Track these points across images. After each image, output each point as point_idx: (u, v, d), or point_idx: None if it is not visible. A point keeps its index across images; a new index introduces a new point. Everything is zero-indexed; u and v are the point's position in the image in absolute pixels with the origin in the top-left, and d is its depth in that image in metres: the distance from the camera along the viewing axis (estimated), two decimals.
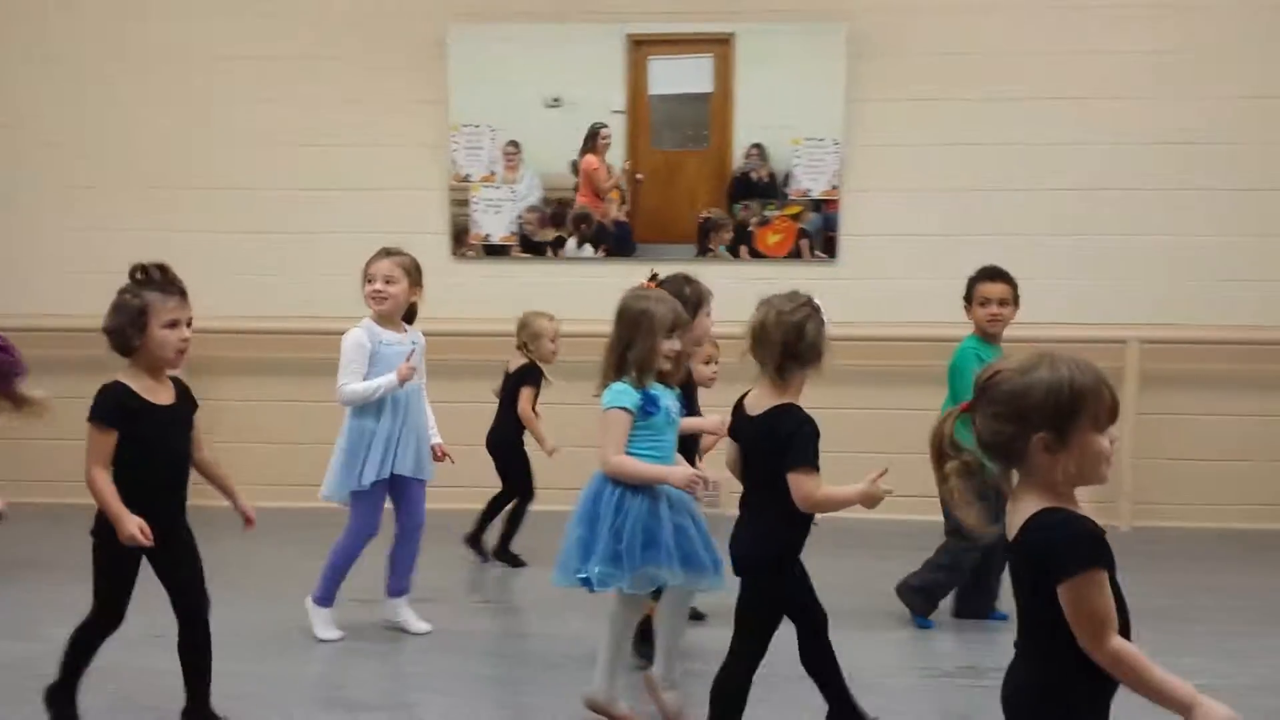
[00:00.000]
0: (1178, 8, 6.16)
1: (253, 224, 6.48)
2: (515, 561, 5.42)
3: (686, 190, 6.37)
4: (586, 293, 6.21)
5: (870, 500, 2.98)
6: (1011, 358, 2.08)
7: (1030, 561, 1.96)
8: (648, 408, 3.35)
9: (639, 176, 6.35)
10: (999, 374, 2.04)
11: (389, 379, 4.18)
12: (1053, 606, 1.91)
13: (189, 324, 3.23)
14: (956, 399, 4.48)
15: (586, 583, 3.33)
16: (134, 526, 3.07)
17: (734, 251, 6.36)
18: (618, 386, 3.37)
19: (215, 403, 6.51)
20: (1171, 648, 4.17)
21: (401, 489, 4.35)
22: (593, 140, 6.32)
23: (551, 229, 6.42)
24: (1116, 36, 6.19)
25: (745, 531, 3.15)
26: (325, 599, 4.35)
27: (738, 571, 3.19)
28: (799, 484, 2.97)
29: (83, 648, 3.30)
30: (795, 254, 6.33)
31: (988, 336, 4.57)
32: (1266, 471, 6.19)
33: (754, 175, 6.29)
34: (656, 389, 3.40)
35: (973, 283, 4.63)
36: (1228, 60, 6.15)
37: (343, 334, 5.99)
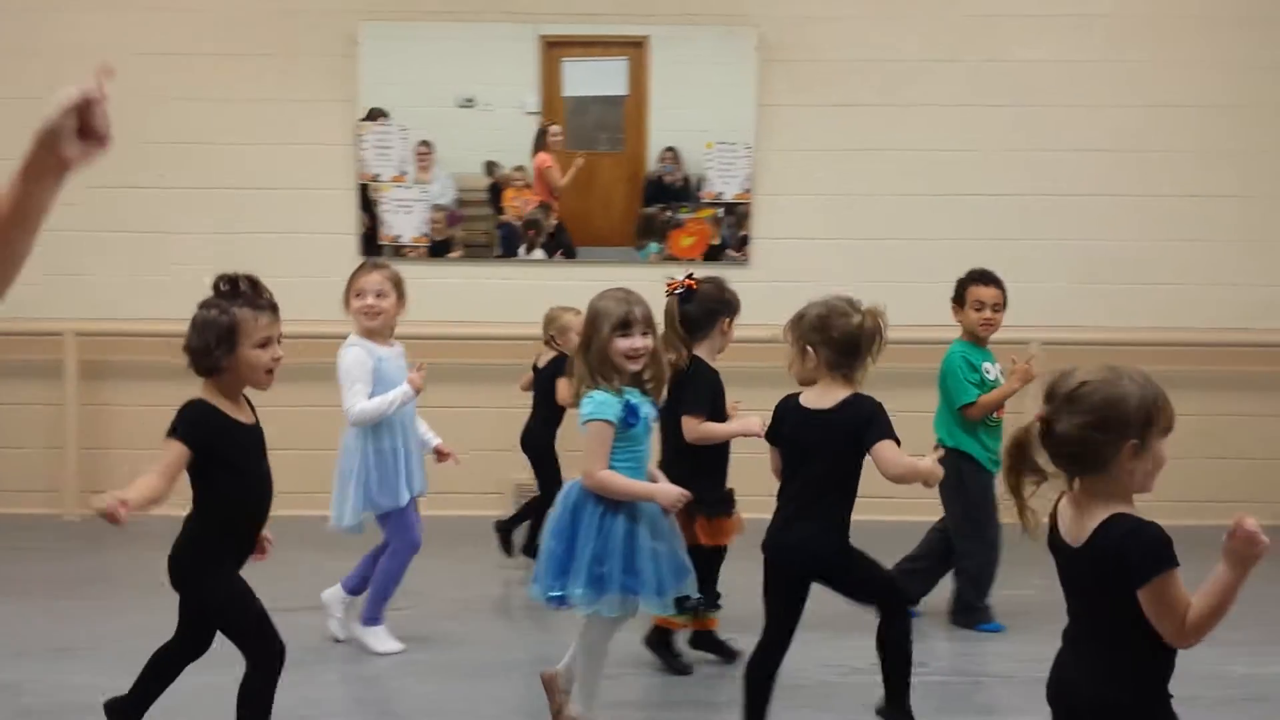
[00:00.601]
0: (1089, 18, 6.32)
1: (157, 223, 6.32)
2: (511, 551, 5.41)
3: (602, 193, 6.36)
4: (503, 295, 6.21)
5: (933, 478, 3.15)
6: (1080, 368, 2.19)
7: (1104, 565, 2.08)
8: (629, 419, 3.22)
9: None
10: (1087, 384, 2.13)
11: (405, 390, 4.05)
12: (1128, 605, 2.04)
13: (280, 341, 2.99)
14: (950, 403, 4.53)
15: (558, 601, 3.24)
16: (119, 506, 2.71)
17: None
18: (599, 396, 3.22)
19: (113, 408, 6.38)
20: None
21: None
22: (543, 138, 6.28)
23: (447, 228, 6.37)
24: (1028, 45, 6.32)
25: (809, 530, 3.20)
26: (376, 619, 4.21)
27: (807, 572, 3.23)
28: (887, 451, 3.11)
29: (259, 700, 3.00)
30: (709, 255, 6.35)
31: (976, 340, 4.63)
32: (1171, 469, 6.33)
33: (668, 178, 6.30)
34: (635, 398, 3.27)
35: (964, 285, 4.64)
36: (1137, 70, 6.32)
37: None
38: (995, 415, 4.53)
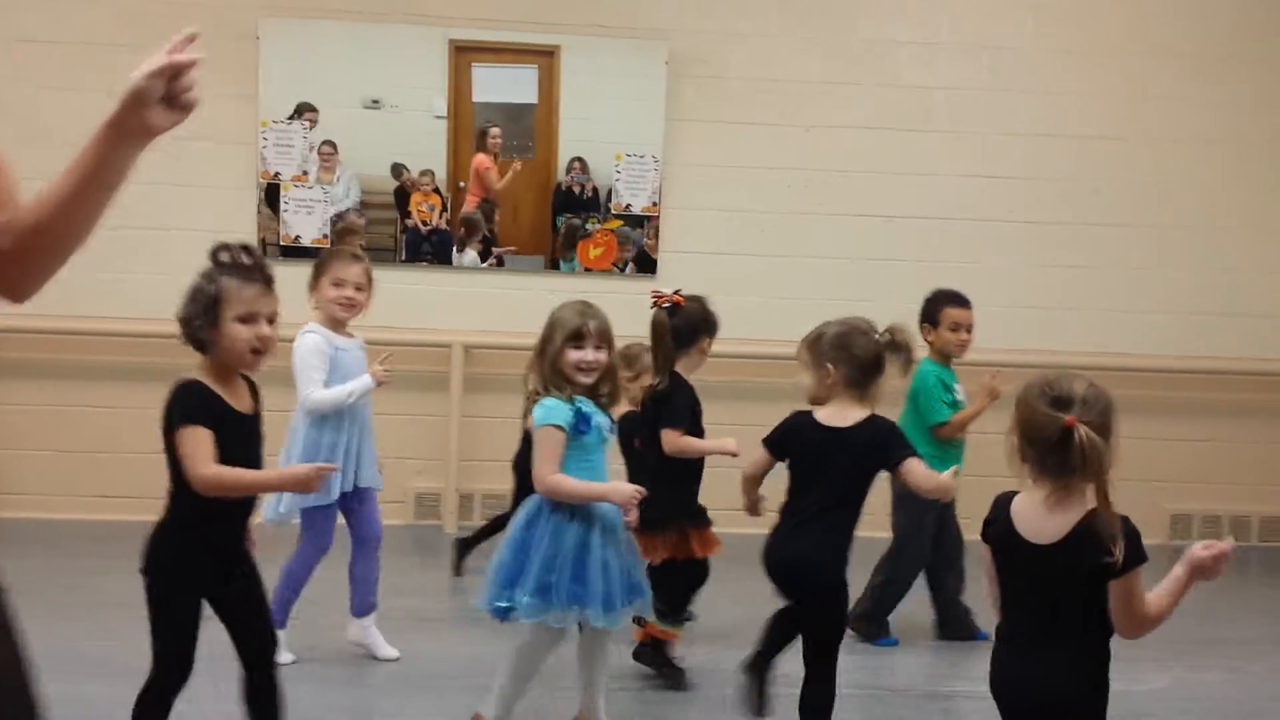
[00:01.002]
0: (978, 49, 6.50)
1: None
2: (459, 569, 5.29)
3: (510, 201, 6.31)
4: (408, 300, 6.12)
5: (950, 494, 3.28)
6: (1057, 374, 2.36)
7: (1089, 559, 2.24)
8: (580, 426, 3.20)
9: (461, 184, 6.26)
10: (1091, 386, 2.33)
11: (365, 382, 3.96)
12: (1096, 599, 2.25)
13: (272, 320, 2.76)
14: (922, 420, 4.57)
15: (504, 612, 3.19)
16: (309, 469, 2.70)
17: (555, 264, 6.36)
18: (549, 402, 3.21)
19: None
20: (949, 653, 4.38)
21: (358, 500, 4.12)
22: (482, 139, 6.22)
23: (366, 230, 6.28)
24: (922, 72, 6.48)
25: (814, 542, 3.22)
26: (279, 622, 4.02)
27: (798, 586, 3.26)
28: (919, 466, 3.22)
29: (157, 711, 2.77)
30: (618, 267, 6.38)
31: (946, 360, 4.69)
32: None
33: (576, 188, 6.30)
34: (589, 406, 3.25)
35: (939, 306, 4.71)
36: (1022, 99, 6.52)
37: (143, 336, 5.71)
38: (959, 435, 4.63)
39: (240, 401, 2.78)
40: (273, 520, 3.98)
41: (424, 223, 6.26)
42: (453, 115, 6.19)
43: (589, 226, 6.35)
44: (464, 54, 6.20)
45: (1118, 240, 6.59)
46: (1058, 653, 2.30)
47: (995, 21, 6.53)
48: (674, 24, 6.34)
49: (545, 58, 6.24)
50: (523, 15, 6.24)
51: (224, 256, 2.73)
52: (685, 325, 3.97)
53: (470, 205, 6.28)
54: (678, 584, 3.96)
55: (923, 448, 4.50)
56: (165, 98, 1.53)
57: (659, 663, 4.08)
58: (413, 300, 6.16)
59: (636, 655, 4.10)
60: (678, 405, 3.93)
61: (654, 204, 6.36)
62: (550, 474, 3.18)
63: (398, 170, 6.23)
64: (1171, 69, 6.57)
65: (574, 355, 3.21)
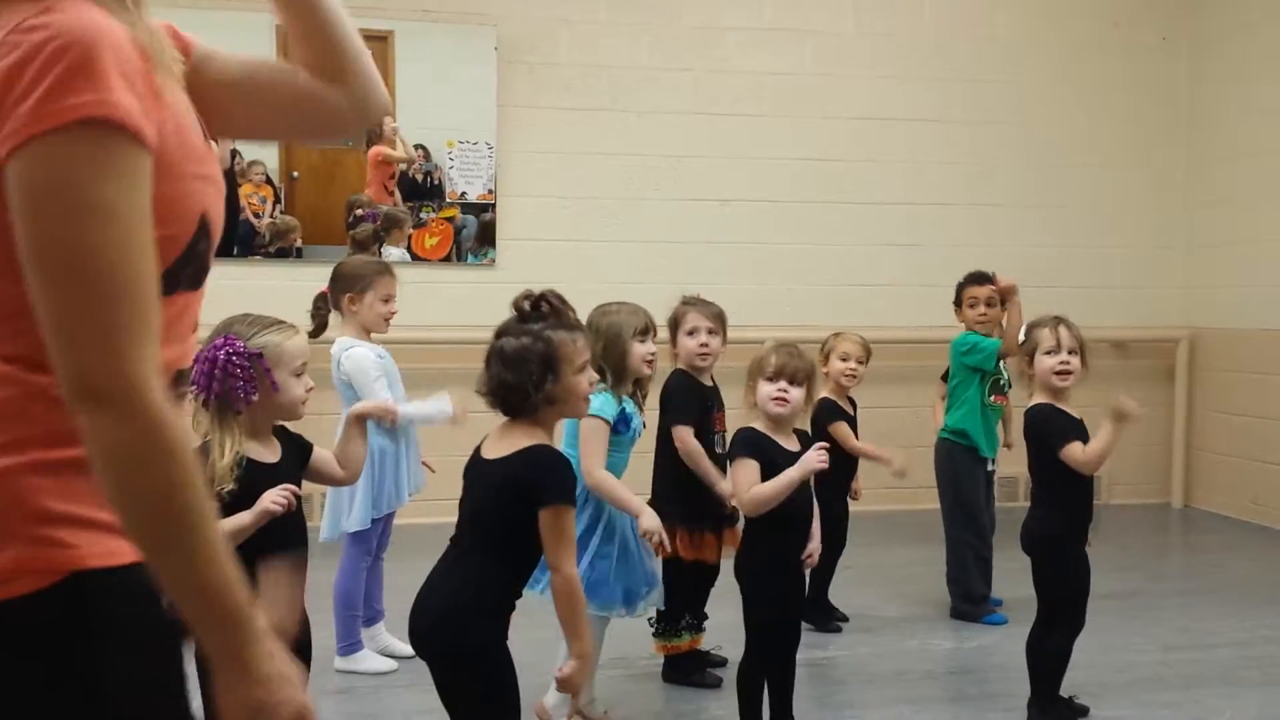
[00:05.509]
0: (801, 35, 6.70)
1: None
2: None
3: (349, 190, 6.20)
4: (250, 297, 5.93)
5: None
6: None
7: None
8: (619, 426, 3.30)
9: (294, 174, 6.12)
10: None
11: (443, 410, 3.79)
12: None
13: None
14: (984, 365, 4.69)
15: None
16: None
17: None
18: (599, 397, 3.21)
19: None
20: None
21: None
22: (378, 130, 6.06)
23: None
24: (749, 58, 6.64)
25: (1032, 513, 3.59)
26: (357, 643, 4.00)
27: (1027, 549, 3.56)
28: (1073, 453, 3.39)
29: None
30: (452, 256, 6.34)
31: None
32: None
33: (419, 177, 6.24)
34: (630, 407, 3.35)
35: (961, 288, 4.82)
36: (844, 84, 6.75)
37: None
38: (995, 401, 4.68)
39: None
40: (331, 538, 3.97)
41: (256, 215, 6.10)
42: None
43: (424, 215, 6.30)
44: None
45: (940, 219, 6.88)
46: None
47: (816, 7, 6.73)
48: (502, 10, 6.32)
49: (378, 43, 6.14)
50: (349, 1, 6.11)
51: (529, 307, 2.50)
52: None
53: (374, 196, 6.18)
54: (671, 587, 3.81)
55: (975, 417, 4.62)
56: None
57: (688, 679, 3.92)
58: (264, 297, 5.97)
59: (666, 677, 3.95)
60: (677, 401, 3.75)
61: (489, 191, 6.35)
62: (597, 468, 3.25)
63: (232, 158, 6.04)
64: (980, 53, 6.90)
65: (641, 349, 3.35)
